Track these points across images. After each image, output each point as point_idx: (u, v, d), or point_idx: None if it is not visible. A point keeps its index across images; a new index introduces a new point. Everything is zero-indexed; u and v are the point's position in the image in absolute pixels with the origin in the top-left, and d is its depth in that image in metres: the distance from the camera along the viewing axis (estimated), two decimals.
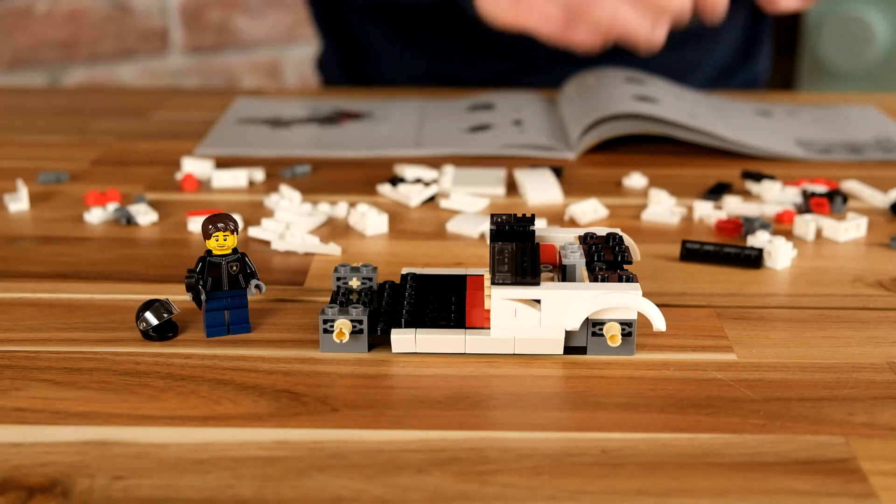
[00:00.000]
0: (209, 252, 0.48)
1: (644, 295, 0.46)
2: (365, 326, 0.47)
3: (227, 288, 0.48)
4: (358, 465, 0.39)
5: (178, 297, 0.50)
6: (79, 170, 0.74)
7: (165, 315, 0.48)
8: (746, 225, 0.61)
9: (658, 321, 0.46)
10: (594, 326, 0.46)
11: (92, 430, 0.41)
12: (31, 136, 0.83)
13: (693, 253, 0.57)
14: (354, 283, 0.50)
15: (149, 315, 0.48)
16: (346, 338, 0.46)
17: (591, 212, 0.64)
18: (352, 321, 0.46)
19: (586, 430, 0.41)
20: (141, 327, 0.48)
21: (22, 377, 0.45)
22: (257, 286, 0.49)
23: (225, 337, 0.49)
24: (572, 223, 0.64)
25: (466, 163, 0.75)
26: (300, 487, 0.38)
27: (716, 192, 0.68)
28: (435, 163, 0.74)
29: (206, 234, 0.48)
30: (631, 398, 0.44)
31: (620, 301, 0.46)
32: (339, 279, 0.50)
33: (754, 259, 0.56)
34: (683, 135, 0.76)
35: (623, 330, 0.46)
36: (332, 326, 0.47)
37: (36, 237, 0.61)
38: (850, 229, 0.61)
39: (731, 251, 0.57)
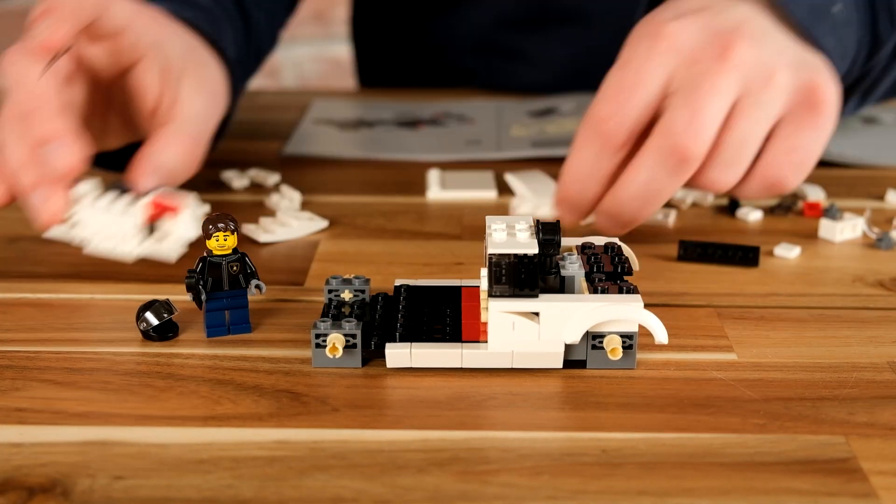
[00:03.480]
0: (209, 252, 0.48)
1: (644, 295, 0.46)
2: (359, 341, 0.45)
3: (227, 288, 0.48)
4: (358, 465, 0.39)
5: (179, 297, 0.50)
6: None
7: (166, 315, 0.48)
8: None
9: (660, 334, 0.45)
10: (594, 339, 0.45)
11: (92, 430, 0.41)
12: None
13: (690, 252, 0.57)
14: (346, 295, 0.49)
15: (149, 315, 0.48)
16: (340, 353, 0.45)
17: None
18: (345, 335, 0.45)
19: (587, 429, 0.41)
20: (141, 327, 0.48)
21: (22, 377, 0.45)
22: (258, 286, 0.49)
23: (225, 337, 0.49)
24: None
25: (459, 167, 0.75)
26: (301, 487, 0.38)
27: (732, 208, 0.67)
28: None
29: (207, 234, 0.48)
30: (631, 398, 0.44)
31: (622, 313, 0.45)
32: (330, 291, 0.49)
33: (751, 258, 0.57)
34: None
35: (624, 343, 0.45)
36: (324, 341, 0.45)
37: (36, 237, 0.61)
38: (846, 230, 0.61)
39: (729, 251, 0.57)
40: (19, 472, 0.38)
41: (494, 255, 0.45)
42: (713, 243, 0.58)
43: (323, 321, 0.46)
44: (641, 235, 0.61)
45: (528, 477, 0.38)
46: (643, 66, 0.53)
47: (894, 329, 0.50)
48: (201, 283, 0.48)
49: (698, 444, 0.40)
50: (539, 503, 0.37)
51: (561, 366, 0.45)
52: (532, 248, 0.45)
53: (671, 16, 0.55)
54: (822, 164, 0.74)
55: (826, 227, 0.61)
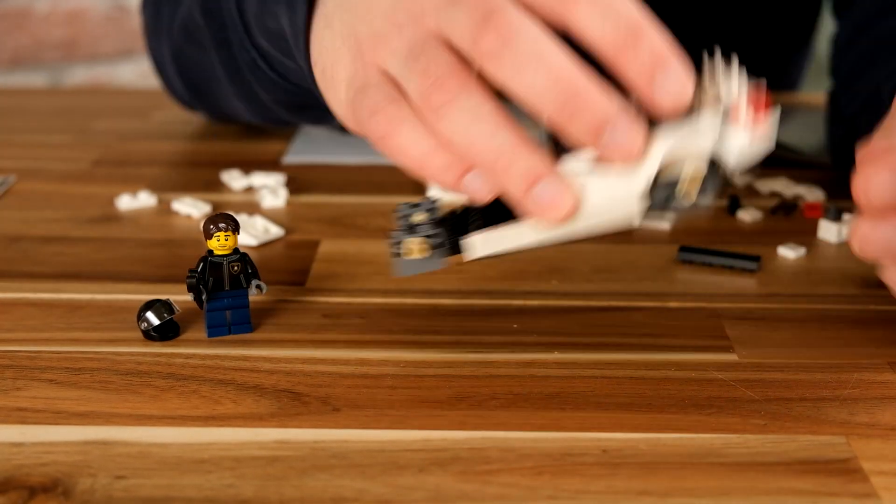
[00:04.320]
0: (210, 252, 0.48)
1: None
2: (441, 239, 0.44)
3: (228, 288, 0.48)
4: (359, 464, 0.39)
5: (180, 296, 0.50)
6: (79, 170, 0.74)
7: (167, 315, 0.48)
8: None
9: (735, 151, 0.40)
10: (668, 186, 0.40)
11: (93, 429, 0.41)
12: (31, 136, 0.83)
13: (689, 262, 0.57)
14: (418, 217, 0.46)
15: (150, 315, 0.48)
16: (421, 254, 0.43)
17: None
18: (424, 237, 0.44)
19: (587, 430, 0.41)
20: (142, 327, 0.48)
21: (23, 377, 0.45)
22: (259, 286, 0.49)
23: (226, 337, 0.49)
24: None
25: None
26: (301, 487, 0.38)
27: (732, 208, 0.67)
28: None
29: (208, 234, 0.48)
30: (632, 398, 0.44)
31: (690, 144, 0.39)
32: (401, 218, 0.45)
33: (750, 270, 0.56)
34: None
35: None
36: (401, 248, 0.44)
37: (36, 237, 0.61)
38: (846, 230, 0.61)
39: (727, 262, 0.57)
40: (20, 472, 0.38)
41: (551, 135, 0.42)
42: (713, 251, 0.57)
43: (398, 231, 0.44)
44: (640, 237, 0.61)
45: (529, 477, 0.38)
46: None
47: (894, 329, 0.50)
48: (202, 282, 0.48)
49: (699, 444, 0.40)
50: (540, 503, 0.37)
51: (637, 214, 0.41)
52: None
53: None
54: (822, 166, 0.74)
55: (825, 228, 0.61)
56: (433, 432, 0.41)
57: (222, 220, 0.48)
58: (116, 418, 0.42)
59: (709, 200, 0.40)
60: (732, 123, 0.40)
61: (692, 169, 0.40)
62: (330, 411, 0.43)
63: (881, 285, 0.55)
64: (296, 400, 0.43)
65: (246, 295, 0.49)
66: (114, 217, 0.65)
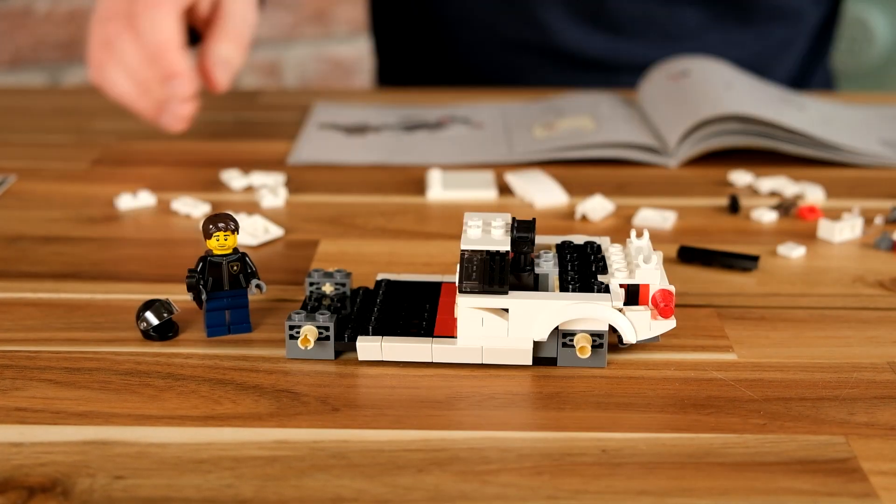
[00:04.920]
0: (210, 252, 0.48)
1: None
2: (332, 333, 0.46)
3: (227, 288, 0.48)
4: (358, 464, 0.39)
5: (179, 296, 0.50)
6: (79, 170, 0.74)
7: (166, 315, 0.48)
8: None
9: (628, 334, 0.45)
10: (564, 337, 0.45)
11: (92, 429, 0.41)
12: (31, 136, 0.83)
13: (689, 261, 0.57)
14: (328, 288, 0.49)
15: (149, 315, 0.48)
16: (311, 345, 0.45)
17: (600, 208, 0.64)
18: (318, 327, 0.45)
19: (586, 429, 0.41)
20: (141, 327, 0.48)
21: (22, 377, 0.45)
22: (258, 286, 0.49)
23: (225, 337, 0.49)
24: (585, 220, 0.64)
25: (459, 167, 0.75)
26: (301, 487, 0.38)
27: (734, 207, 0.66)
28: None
29: (207, 234, 0.48)
30: (631, 398, 0.44)
31: (590, 312, 0.45)
32: (311, 284, 0.49)
33: (750, 267, 0.56)
34: (791, 148, 0.74)
35: (594, 341, 0.45)
36: (297, 332, 0.46)
37: (36, 237, 0.61)
38: (845, 230, 0.61)
39: (727, 261, 0.57)
40: (19, 472, 0.38)
41: (467, 251, 0.45)
42: (713, 251, 0.57)
43: (297, 313, 0.46)
44: None
45: (528, 477, 0.38)
46: None
47: (894, 329, 0.50)
48: (202, 282, 0.48)
49: (698, 444, 0.40)
50: (539, 503, 0.37)
51: (530, 363, 0.45)
52: (504, 246, 0.46)
53: None
54: (825, 162, 0.74)
55: (825, 228, 0.61)
56: (432, 432, 0.41)
57: (222, 219, 0.48)
58: (115, 418, 0.42)
59: (602, 361, 0.46)
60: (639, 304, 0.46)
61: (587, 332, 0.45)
62: (329, 411, 0.43)
63: (881, 285, 0.55)
64: (295, 400, 0.43)
65: (245, 295, 0.49)
66: (113, 217, 0.65)
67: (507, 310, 0.45)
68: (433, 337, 0.46)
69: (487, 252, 0.45)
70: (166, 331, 0.48)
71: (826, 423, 0.42)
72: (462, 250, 0.46)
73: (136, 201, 0.66)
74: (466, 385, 0.45)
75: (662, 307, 0.45)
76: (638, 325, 0.45)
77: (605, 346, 0.45)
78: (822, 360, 0.47)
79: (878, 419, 0.42)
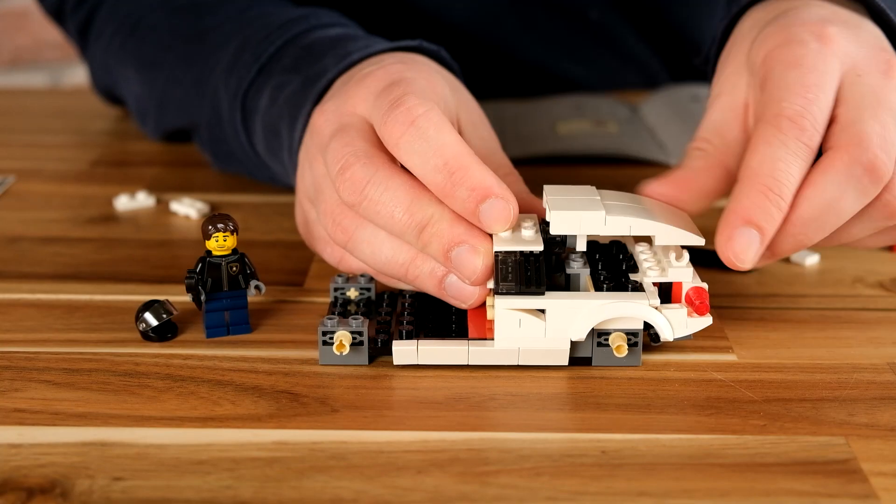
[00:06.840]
0: (209, 252, 0.48)
1: None
2: (365, 338, 0.46)
3: (226, 288, 0.48)
4: (358, 465, 0.39)
5: (178, 297, 0.50)
6: (77, 170, 0.74)
7: (165, 316, 0.48)
8: None
9: (666, 331, 0.45)
10: (599, 337, 0.46)
11: (91, 430, 0.41)
12: (31, 136, 0.83)
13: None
14: (352, 293, 0.50)
15: (148, 316, 0.48)
16: (347, 350, 0.45)
17: None
18: (352, 332, 0.45)
19: (586, 430, 0.41)
20: (140, 328, 0.48)
21: (21, 378, 0.45)
22: (257, 287, 0.49)
23: (225, 338, 0.49)
24: None
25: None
26: (300, 488, 0.38)
27: None
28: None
29: (206, 235, 0.48)
30: (631, 399, 0.44)
31: (627, 311, 0.45)
32: (336, 290, 0.49)
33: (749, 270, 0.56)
34: None
35: (629, 340, 0.45)
36: (331, 338, 0.46)
37: (35, 237, 0.61)
38: None
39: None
40: (18, 473, 0.38)
41: (500, 252, 0.45)
42: (713, 252, 0.57)
43: (330, 318, 0.46)
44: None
45: (528, 478, 0.38)
46: (819, 67, 0.48)
47: (894, 330, 0.50)
48: (201, 283, 0.48)
49: (698, 445, 0.40)
50: None
51: (567, 363, 0.45)
52: (538, 246, 0.45)
53: (819, 19, 0.50)
54: None
55: None
56: (431, 433, 0.41)
57: (221, 220, 0.48)
58: (114, 419, 0.42)
59: (637, 359, 0.46)
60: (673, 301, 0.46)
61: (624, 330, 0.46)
62: (328, 412, 0.43)
63: (881, 286, 0.55)
64: (294, 401, 0.43)
65: (244, 295, 0.49)
66: (112, 217, 0.65)
67: (543, 311, 0.45)
68: (468, 339, 0.46)
69: (521, 253, 0.45)
70: (165, 332, 0.48)
71: (826, 423, 0.42)
72: (496, 251, 0.45)
73: (134, 202, 0.66)
74: (465, 386, 0.45)
75: (698, 304, 0.45)
76: (675, 322, 0.45)
77: (640, 344, 0.46)
78: (822, 361, 0.47)
79: (879, 420, 0.42)
